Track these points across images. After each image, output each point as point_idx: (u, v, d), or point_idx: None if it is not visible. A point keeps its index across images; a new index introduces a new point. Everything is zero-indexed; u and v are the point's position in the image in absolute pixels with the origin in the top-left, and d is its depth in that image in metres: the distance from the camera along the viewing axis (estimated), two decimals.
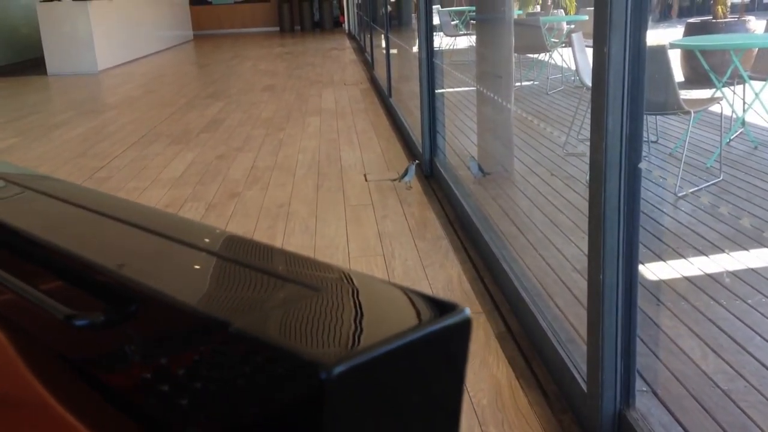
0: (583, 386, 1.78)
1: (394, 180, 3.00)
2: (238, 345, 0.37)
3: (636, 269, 1.62)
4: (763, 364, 2.11)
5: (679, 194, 3.77)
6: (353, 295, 0.42)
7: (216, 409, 0.38)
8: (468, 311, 0.38)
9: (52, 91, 9.78)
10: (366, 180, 4.40)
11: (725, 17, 5.74)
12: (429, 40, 4.28)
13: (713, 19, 5.99)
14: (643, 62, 1.52)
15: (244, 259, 0.48)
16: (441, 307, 0.39)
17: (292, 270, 0.46)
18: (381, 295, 0.42)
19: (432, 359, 0.37)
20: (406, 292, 0.41)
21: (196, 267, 0.48)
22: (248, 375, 0.36)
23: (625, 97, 1.50)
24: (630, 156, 1.53)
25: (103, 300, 0.46)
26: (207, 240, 0.52)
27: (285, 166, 4.84)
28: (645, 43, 1.51)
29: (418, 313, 0.39)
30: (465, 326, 0.38)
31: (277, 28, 19.46)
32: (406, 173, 3.91)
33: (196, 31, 18.03)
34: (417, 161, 3.23)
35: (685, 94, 4.27)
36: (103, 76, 10.80)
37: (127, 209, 0.59)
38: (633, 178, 1.53)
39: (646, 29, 1.51)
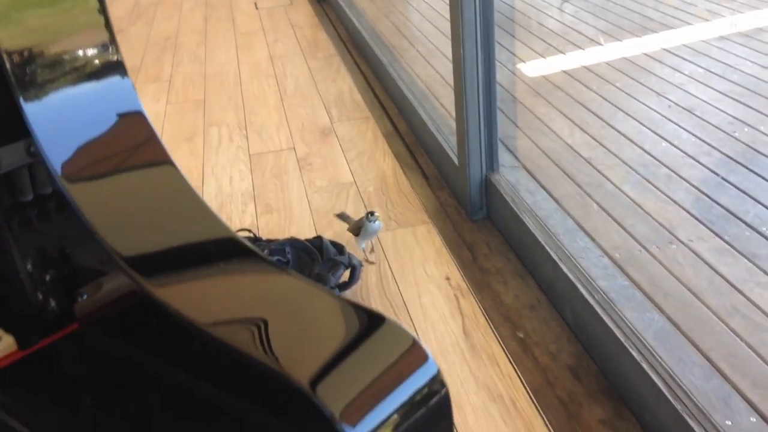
0: (455, 161, 1.92)
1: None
2: None
3: (493, 44, 1.70)
4: (621, 133, 2.31)
5: None
6: None
7: None
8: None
9: None
10: (257, 8, 4.27)
11: None
12: None
13: None
14: None
15: None
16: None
17: None
18: None
19: None
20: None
21: None
22: None
23: None
24: None
25: None
26: None
27: (170, 0, 4.60)
28: None
29: None
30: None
31: None
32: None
33: None
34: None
35: None
36: None
37: None
38: None
39: None
